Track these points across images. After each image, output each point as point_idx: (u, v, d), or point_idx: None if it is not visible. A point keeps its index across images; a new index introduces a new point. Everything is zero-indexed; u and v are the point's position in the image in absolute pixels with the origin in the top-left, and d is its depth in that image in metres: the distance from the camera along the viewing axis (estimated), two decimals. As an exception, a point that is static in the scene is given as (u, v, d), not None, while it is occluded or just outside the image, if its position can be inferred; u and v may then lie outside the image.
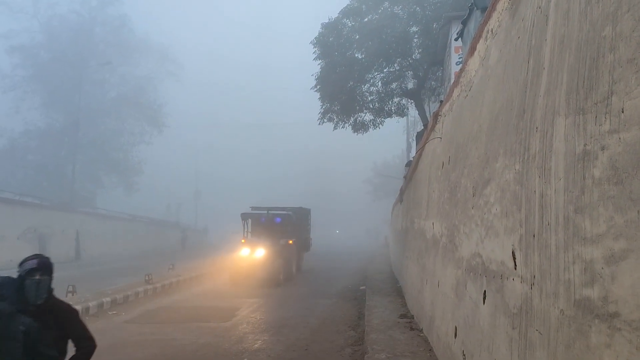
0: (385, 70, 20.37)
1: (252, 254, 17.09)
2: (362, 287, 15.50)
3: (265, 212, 20.85)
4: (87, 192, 41.79)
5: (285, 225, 19.99)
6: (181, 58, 50.35)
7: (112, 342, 8.41)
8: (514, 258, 3.21)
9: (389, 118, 21.89)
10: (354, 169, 73.44)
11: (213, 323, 10.30)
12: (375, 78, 20.59)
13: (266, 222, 19.96)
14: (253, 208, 22.65)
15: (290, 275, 18.49)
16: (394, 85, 20.71)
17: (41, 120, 40.14)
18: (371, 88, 20.75)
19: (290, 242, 19.12)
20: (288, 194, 79.29)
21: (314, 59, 20.50)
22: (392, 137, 44.37)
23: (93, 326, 9.22)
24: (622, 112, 1.87)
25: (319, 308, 12.42)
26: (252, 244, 17.71)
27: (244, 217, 20.20)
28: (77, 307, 8.69)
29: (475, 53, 4.93)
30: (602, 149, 2.01)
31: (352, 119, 21.34)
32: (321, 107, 21.13)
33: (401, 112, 22.04)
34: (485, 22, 4.56)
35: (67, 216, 30.73)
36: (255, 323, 10.46)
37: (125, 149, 43.63)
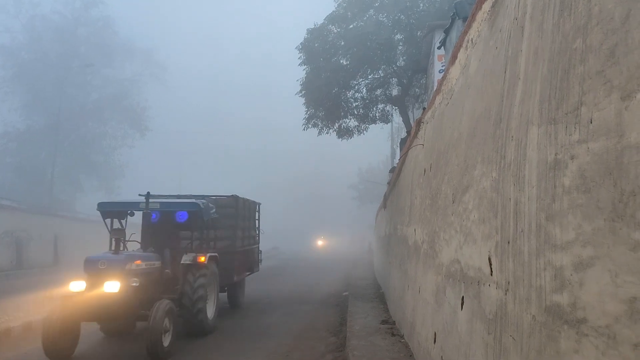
0: (370, 77, 20.51)
1: (93, 289, 8.11)
2: (345, 293, 15.51)
3: (148, 203, 9.56)
4: (67, 195, 41.24)
5: (197, 226, 10.52)
6: (167, 61, 50.05)
7: (106, 341, 8.28)
8: (490, 264, 3.26)
9: (373, 124, 22.02)
10: (340, 175, 73.56)
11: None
12: (360, 84, 20.71)
13: (161, 222, 10.35)
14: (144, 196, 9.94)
15: (202, 327, 9.53)
16: (378, 92, 20.86)
17: (21, 121, 39.56)
18: (356, 94, 20.86)
19: (202, 258, 9.72)
20: (275, 198, 79.37)
21: (299, 64, 20.56)
22: (377, 143, 44.58)
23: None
24: (591, 122, 1.92)
25: (301, 314, 12.40)
26: (94, 273, 8.23)
27: (106, 212, 10.04)
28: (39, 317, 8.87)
29: (457, 62, 5.00)
30: (572, 158, 2.06)
31: (336, 124, 21.42)
32: (306, 113, 21.18)
33: (385, 118, 22.20)
34: (466, 31, 4.63)
35: (45, 220, 30.14)
36: (235, 330, 10.41)
37: (107, 152, 43.14)
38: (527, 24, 2.82)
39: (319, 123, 21.30)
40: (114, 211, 10.10)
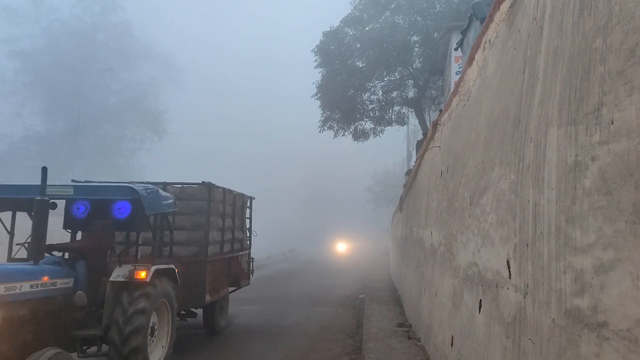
0: (385, 79, 20.47)
1: None
2: (361, 296, 15.47)
3: (45, 186, 6.01)
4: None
5: (140, 224, 7.15)
6: (184, 64, 50.56)
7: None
8: (509, 267, 3.23)
9: (389, 126, 21.98)
10: (355, 177, 73.43)
11: (211, 330, 10.27)
12: (376, 87, 20.69)
13: (90, 218, 7.47)
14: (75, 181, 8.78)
15: None
16: (394, 94, 20.81)
17: (41, 125, 40.24)
18: (372, 96, 20.84)
19: (142, 273, 6.69)
20: (289, 201, 79.54)
21: (315, 67, 20.62)
22: (393, 145, 44.44)
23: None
24: (612, 123, 1.90)
25: (317, 316, 12.39)
26: None
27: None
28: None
29: (474, 63, 4.97)
30: (593, 159, 2.04)
31: (352, 127, 21.43)
32: (322, 115, 21.23)
33: (401, 120, 22.14)
34: (484, 32, 4.60)
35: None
36: (252, 331, 10.45)
37: (126, 155, 43.71)
38: (546, 24, 2.80)
39: (335, 125, 21.34)
40: (6, 200, 6.60)
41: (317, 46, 20.32)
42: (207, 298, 8.92)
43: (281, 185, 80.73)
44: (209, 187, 9.23)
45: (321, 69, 20.50)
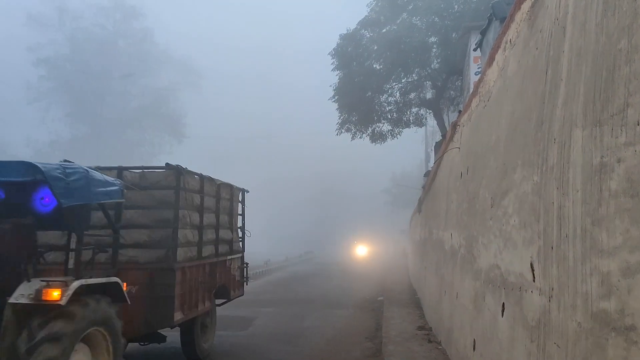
0: (403, 81, 20.37)
1: None
2: (379, 298, 15.42)
3: None
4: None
5: (65, 219, 5.46)
6: (203, 68, 50.99)
7: (137, 348, 8.48)
8: (533, 270, 3.19)
9: (407, 128, 21.88)
10: (372, 179, 73.22)
11: (230, 332, 10.36)
12: (394, 88, 20.60)
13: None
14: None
15: None
16: (412, 96, 20.70)
17: (66, 130, 40.97)
18: (389, 98, 20.75)
19: (56, 293, 4.73)
20: (305, 204, 79.59)
21: (332, 70, 20.62)
22: (411, 147, 44.23)
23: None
24: (638, 124, 1.87)
25: (336, 319, 12.38)
26: None
27: None
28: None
29: (494, 63, 4.93)
30: (619, 161, 2.01)
31: (370, 129, 21.37)
32: (339, 118, 21.21)
33: (419, 122, 22.03)
34: (504, 32, 4.56)
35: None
36: (271, 333, 10.47)
37: (146, 159, 44.23)
38: (568, 24, 2.77)
39: (352, 128, 21.31)
40: None
41: (334, 49, 20.33)
42: (178, 316, 6.86)
43: (298, 187, 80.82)
44: (178, 172, 7.11)
45: (338, 71, 20.49)
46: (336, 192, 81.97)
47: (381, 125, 21.38)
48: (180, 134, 45.86)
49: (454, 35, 17.94)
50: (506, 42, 4.49)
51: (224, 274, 8.99)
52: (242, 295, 10.31)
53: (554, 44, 3.04)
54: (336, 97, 20.86)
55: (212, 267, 8.30)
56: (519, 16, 4.04)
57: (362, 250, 55.19)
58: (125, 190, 6.15)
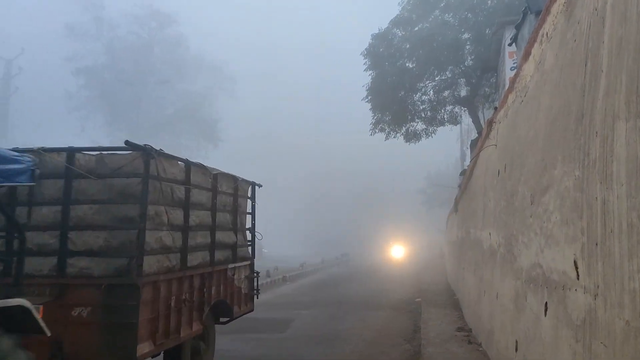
0: (437, 79, 20.20)
1: None
2: (417, 299, 15.26)
3: None
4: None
5: None
6: (237, 73, 51.60)
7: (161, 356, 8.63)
8: (576, 268, 3.10)
9: (441, 127, 21.66)
10: (406, 179, 72.62)
11: (268, 334, 10.42)
12: (427, 87, 20.44)
13: None
14: None
15: None
16: (446, 93, 20.50)
17: (105, 138, 42.14)
18: (423, 97, 20.61)
19: None
20: (340, 205, 79.52)
21: (364, 70, 20.59)
22: (446, 145, 43.70)
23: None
24: (687, 113, 1.80)
25: (373, 320, 12.31)
26: None
27: None
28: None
29: (530, 58, 4.82)
30: (666, 152, 1.93)
31: (404, 128, 21.26)
32: (372, 118, 21.19)
33: (454, 120, 21.78)
34: (540, 25, 4.46)
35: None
36: (308, 335, 10.48)
37: (184, 164, 45.13)
38: (608, 14, 2.68)
39: (386, 127, 21.25)
40: None
41: (366, 49, 20.30)
42: (145, 349, 5.24)
43: (331, 188, 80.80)
44: (146, 153, 5.32)
45: (371, 71, 20.45)
46: (371, 193, 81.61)
47: (415, 124, 21.26)
48: (215, 138, 46.65)
49: (487, 31, 17.67)
50: (542, 36, 4.39)
51: (224, 287, 7.36)
52: (252, 310, 8.73)
53: (592, 35, 2.95)
54: (369, 97, 20.85)
55: (204, 279, 6.61)
56: (555, 8, 3.94)
57: (398, 252, 55.07)
58: (37, 172, 4.52)
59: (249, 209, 8.77)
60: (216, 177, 7.24)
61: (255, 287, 8.89)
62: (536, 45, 4.60)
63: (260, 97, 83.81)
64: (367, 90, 20.84)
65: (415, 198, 67.25)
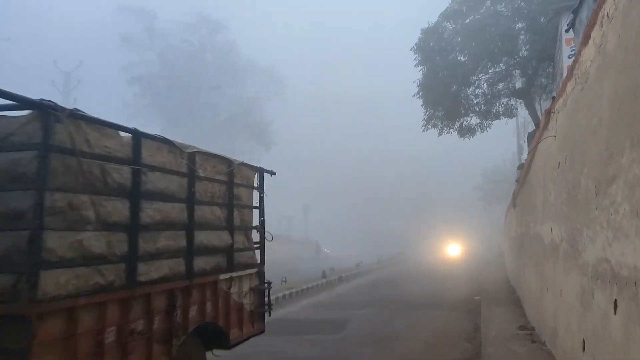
0: (490, 71, 19.66)
1: None
2: (476, 298, 14.87)
3: None
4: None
5: None
6: (286, 77, 52.19)
7: (224, 355, 8.75)
8: (648, 262, 2.89)
9: (496, 120, 21.06)
10: (461, 176, 71.15)
11: (323, 336, 10.36)
12: (480, 80, 19.92)
13: None
14: None
15: None
16: (500, 86, 19.90)
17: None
18: (476, 90, 20.11)
19: None
20: (395, 204, 78.85)
21: (414, 66, 20.30)
22: (502, 140, 42.49)
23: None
24: None
25: (431, 320, 12.09)
26: None
27: None
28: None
29: (590, 42, 4.57)
30: None
31: (457, 123, 20.81)
32: (424, 114, 20.86)
33: (510, 113, 21.12)
34: (600, 7, 4.21)
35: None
36: (365, 336, 10.36)
37: (237, 168, 46.09)
38: (678, -15, 2.48)
39: (439, 123, 20.87)
40: None
41: (415, 44, 19.99)
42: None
43: (384, 189, 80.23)
44: (45, 113, 3.55)
45: (421, 66, 20.14)
46: (425, 193, 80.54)
47: (469, 118, 20.76)
48: (268, 142, 47.35)
49: (542, 20, 17.02)
50: (603, 17, 4.14)
51: (214, 305, 5.57)
52: (262, 332, 6.82)
53: (661, 10, 2.74)
54: (420, 93, 20.53)
55: (175, 297, 4.79)
56: (617, -14, 3.70)
57: (454, 250, 54.50)
58: None
59: (256, 203, 6.97)
60: (193, 157, 5.31)
61: (267, 302, 6.97)
62: (596, 27, 4.35)
63: (311, 100, 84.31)
64: (418, 86, 20.54)
65: (472, 195, 65.86)
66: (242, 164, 6.72)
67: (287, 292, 17.00)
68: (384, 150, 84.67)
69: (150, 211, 4.58)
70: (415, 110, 22.01)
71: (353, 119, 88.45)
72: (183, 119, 41.49)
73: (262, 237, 6.97)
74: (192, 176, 5.29)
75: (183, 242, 5.06)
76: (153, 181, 4.68)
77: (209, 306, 5.46)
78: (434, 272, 29.48)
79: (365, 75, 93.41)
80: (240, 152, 46.60)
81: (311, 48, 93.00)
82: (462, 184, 69.23)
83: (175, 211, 4.99)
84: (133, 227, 4.34)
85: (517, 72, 19.64)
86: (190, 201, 5.23)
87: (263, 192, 7.14)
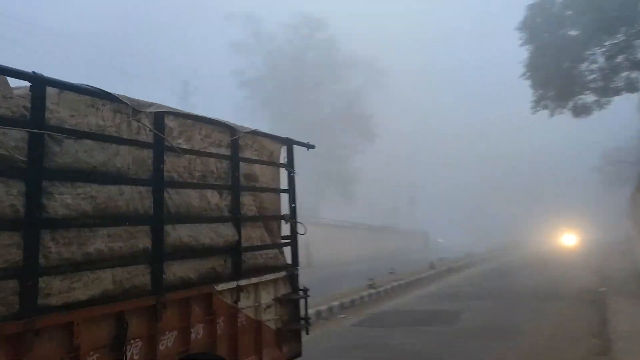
0: (607, 44, 18.12)
1: None
2: (601, 289, 13.87)
3: None
4: (311, 203, 45.79)
5: None
6: (386, 67, 51.94)
7: (342, 345, 8.94)
8: None
9: (617, 96, 19.40)
10: (577, 160, 66.32)
11: (437, 327, 10.20)
12: (596, 54, 18.45)
13: None
14: None
15: None
16: (619, 59, 18.28)
17: (268, 144, 45.49)
18: (591, 66, 18.66)
19: None
20: (500, 191, 75.39)
21: (520, 45, 19.29)
22: (621, 118, 39.07)
23: (325, 329, 9.98)
24: None
25: (551, 312, 11.49)
26: None
27: None
28: (311, 311, 7.44)
29: None
30: None
31: (571, 103, 19.48)
32: (533, 95, 19.79)
33: (632, 87, 19.31)
34: None
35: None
36: (481, 328, 10.06)
37: (342, 161, 46.84)
38: None
39: (550, 104, 19.67)
40: None
41: (521, 22, 18.96)
42: None
43: (490, 176, 77.03)
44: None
45: (528, 45, 19.07)
46: (538, 178, 76.28)
47: (584, 96, 19.32)
48: (371, 134, 47.72)
49: (667, -19, 15.38)
50: None
51: (209, 328, 4.02)
52: (298, 355, 5.13)
53: None
54: (528, 74, 19.46)
55: (122, 325, 3.19)
56: None
57: (569, 238, 51.32)
58: None
59: (284, 185, 5.43)
60: (160, 118, 3.73)
61: (304, 316, 5.31)
62: None
63: (414, 90, 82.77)
64: (524, 66, 19.49)
65: (590, 178, 61.22)
66: (257, 132, 5.08)
67: (395, 283, 16.97)
68: (494, 139, 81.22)
69: (68, 198, 2.99)
70: (523, 90, 20.87)
71: (461, 95, 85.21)
72: (289, 116, 42.92)
73: (294, 231, 5.42)
74: (159, 147, 3.69)
75: (145, 242, 3.50)
76: (75, 153, 3.10)
77: (199, 330, 3.89)
78: (550, 261, 28.01)
79: (468, 64, 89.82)
80: (344, 145, 47.23)
81: (413, 32, 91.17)
82: (578, 168, 64.63)
83: (127, 197, 3.41)
84: (32, 223, 2.73)
85: (639, 41, 17.94)
86: (158, 183, 3.66)
87: (293, 170, 5.45)
